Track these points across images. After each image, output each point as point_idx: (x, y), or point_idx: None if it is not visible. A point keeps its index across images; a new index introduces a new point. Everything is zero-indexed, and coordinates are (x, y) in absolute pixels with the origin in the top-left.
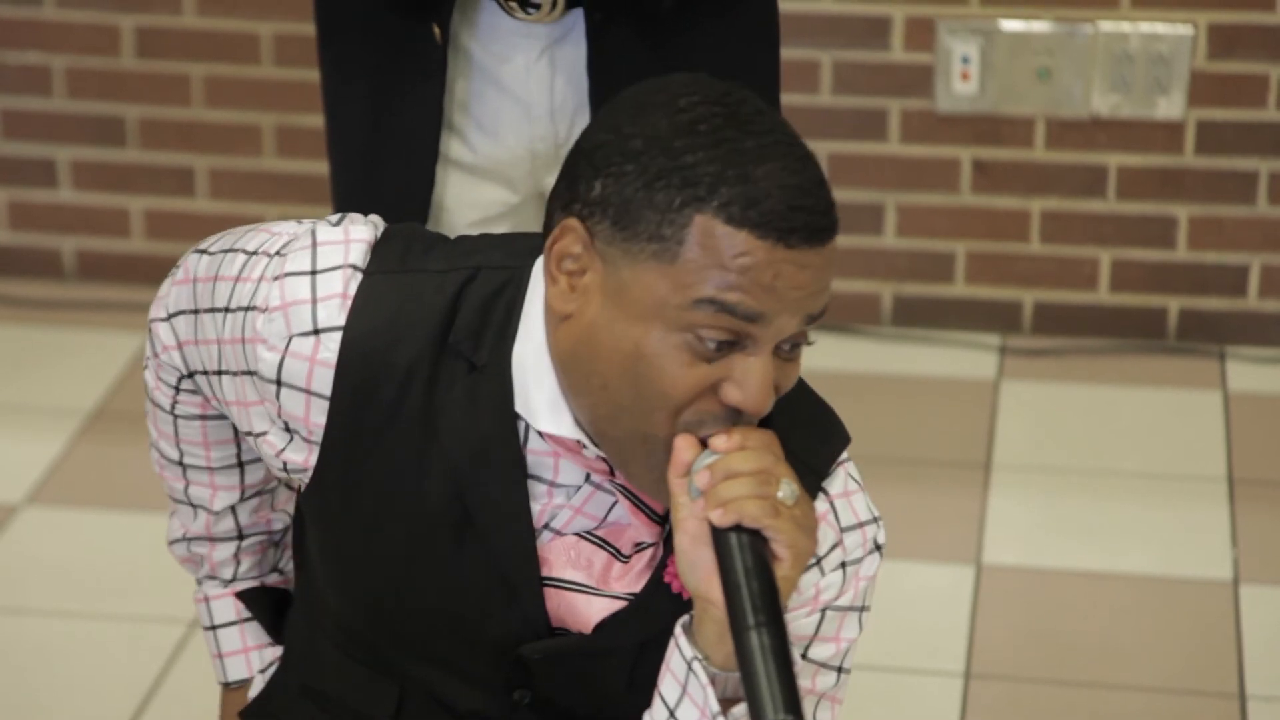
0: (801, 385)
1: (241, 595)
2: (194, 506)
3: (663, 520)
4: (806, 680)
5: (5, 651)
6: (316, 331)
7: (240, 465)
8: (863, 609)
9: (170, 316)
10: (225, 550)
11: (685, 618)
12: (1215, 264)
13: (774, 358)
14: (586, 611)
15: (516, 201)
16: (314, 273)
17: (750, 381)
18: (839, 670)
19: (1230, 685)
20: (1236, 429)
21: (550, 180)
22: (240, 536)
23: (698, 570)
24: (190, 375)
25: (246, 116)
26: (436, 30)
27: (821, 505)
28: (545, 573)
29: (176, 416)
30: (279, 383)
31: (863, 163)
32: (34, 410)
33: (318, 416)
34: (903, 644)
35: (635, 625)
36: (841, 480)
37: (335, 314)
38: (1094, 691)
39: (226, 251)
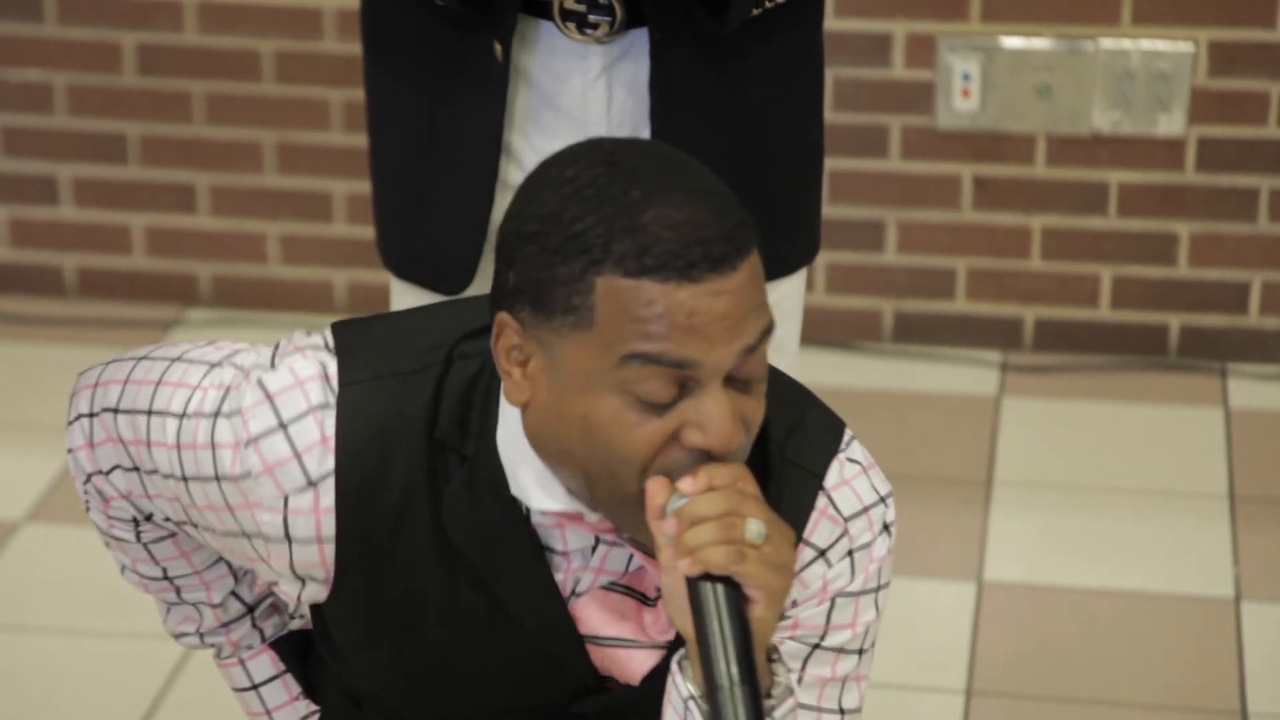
0: (793, 385)
1: (275, 646)
2: (194, 605)
3: None
4: (826, 668)
5: (6, 668)
6: (312, 484)
7: (223, 558)
8: (879, 589)
9: (108, 471)
10: (242, 628)
11: (680, 653)
12: (1216, 281)
13: (729, 390)
14: (629, 663)
15: None
16: (284, 426)
17: (709, 421)
18: (859, 652)
19: (1232, 702)
20: (1238, 446)
21: None
22: (251, 610)
23: (682, 614)
24: (148, 518)
25: (247, 133)
26: (498, 47)
27: (821, 501)
28: (583, 631)
29: (146, 544)
30: (289, 539)
31: (863, 179)
32: (35, 427)
33: (332, 555)
34: (904, 661)
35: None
36: (838, 470)
37: (323, 461)
38: (1095, 708)
39: (148, 414)
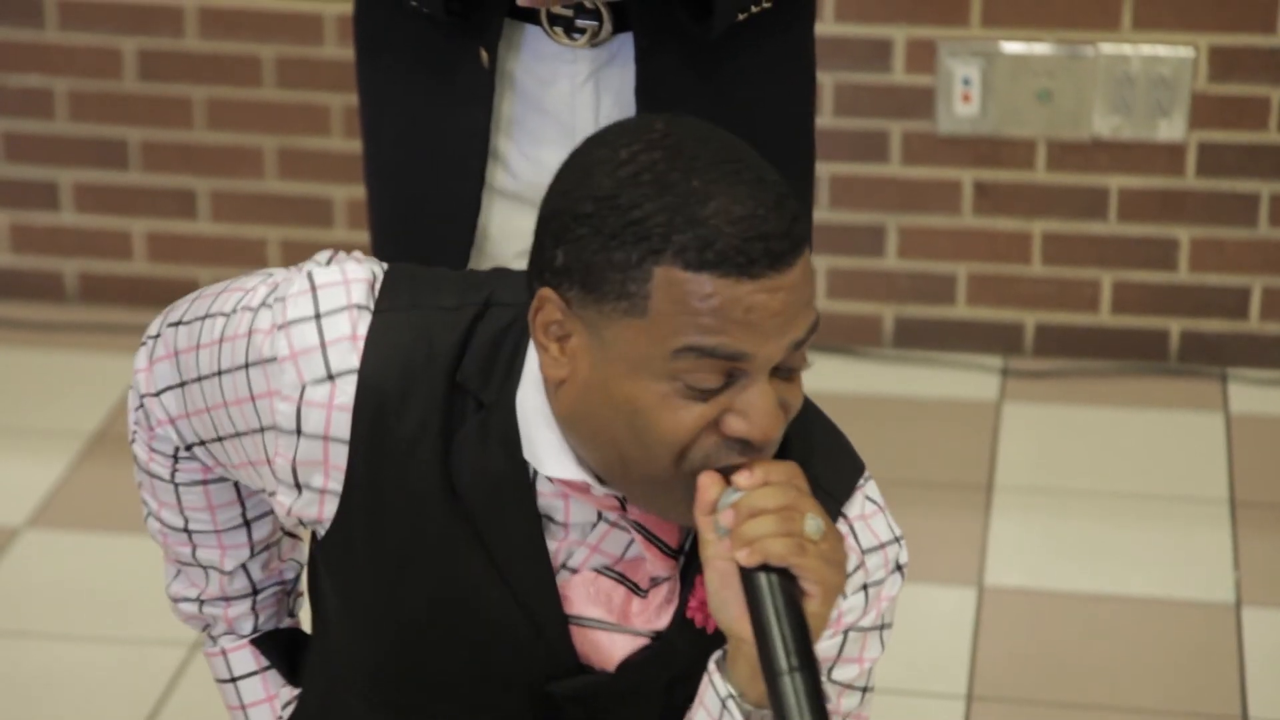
0: (816, 412)
1: (257, 642)
2: (204, 568)
3: (677, 554)
4: (831, 702)
5: (6, 674)
6: (331, 377)
7: (247, 524)
8: (884, 627)
9: (160, 392)
10: (241, 606)
11: (718, 653)
12: (1217, 286)
13: (773, 380)
14: (609, 649)
15: None
16: (318, 316)
17: (753, 411)
18: (863, 690)
19: (1233, 708)
20: (1238, 451)
21: None
22: (255, 592)
23: (729, 608)
24: (189, 447)
25: (248, 139)
26: (484, 54)
27: (841, 528)
28: (567, 610)
29: (178, 485)
30: (298, 432)
31: (864, 184)
32: (35, 433)
33: (338, 459)
34: (905, 666)
35: (661, 663)
36: (860, 503)
37: (347, 356)
38: (1096, 714)
39: (203, 319)
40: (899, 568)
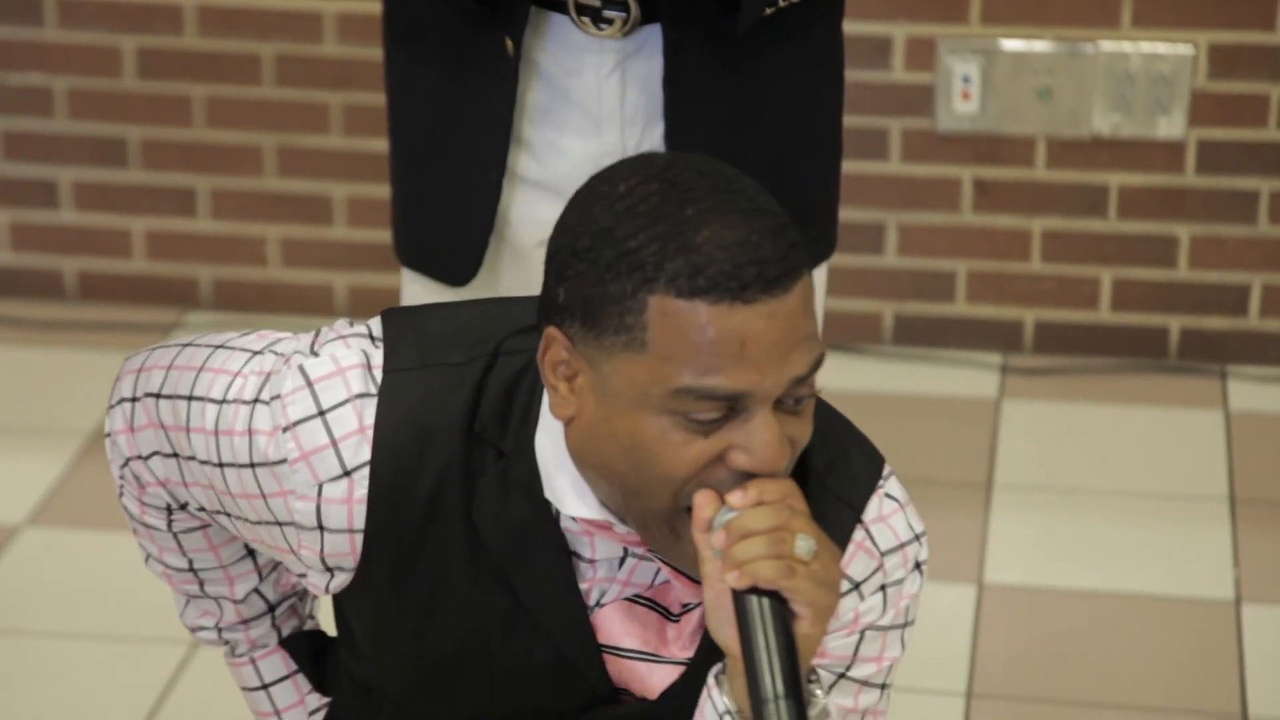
0: (836, 417)
1: (286, 644)
2: (215, 600)
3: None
4: (849, 699)
5: (6, 673)
6: (347, 473)
7: (251, 553)
8: (905, 625)
9: (147, 457)
10: (261, 626)
11: (718, 667)
12: (1216, 283)
13: (778, 413)
14: (649, 679)
15: None
16: (323, 414)
17: (756, 444)
18: (882, 687)
19: (1233, 705)
20: (1238, 448)
21: None
22: (272, 609)
23: (725, 628)
24: (182, 506)
25: (248, 137)
26: (509, 43)
27: (859, 535)
28: (603, 641)
29: (176, 534)
30: (321, 528)
31: (864, 182)
32: (35, 431)
33: (361, 542)
34: (905, 663)
35: (694, 690)
36: (878, 504)
37: (359, 450)
38: (1096, 711)
39: (189, 399)
40: (919, 565)
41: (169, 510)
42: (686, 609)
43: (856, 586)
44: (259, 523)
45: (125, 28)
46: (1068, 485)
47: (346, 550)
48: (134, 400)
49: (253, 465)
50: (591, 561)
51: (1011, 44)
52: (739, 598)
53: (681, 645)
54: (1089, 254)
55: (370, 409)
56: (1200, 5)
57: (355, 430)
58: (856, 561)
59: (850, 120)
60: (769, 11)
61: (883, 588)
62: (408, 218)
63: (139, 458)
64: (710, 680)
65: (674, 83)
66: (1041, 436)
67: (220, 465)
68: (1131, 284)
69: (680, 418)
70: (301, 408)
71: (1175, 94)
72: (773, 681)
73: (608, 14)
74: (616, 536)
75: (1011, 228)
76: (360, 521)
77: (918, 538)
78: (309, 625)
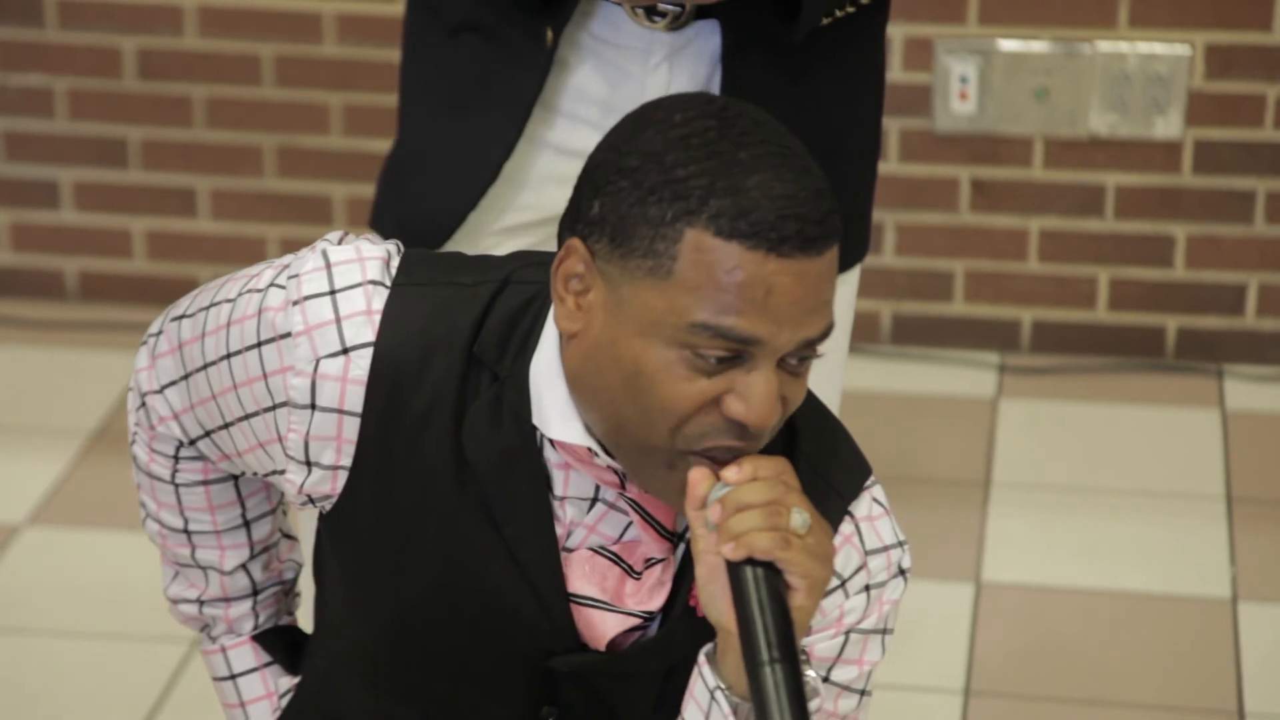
0: (828, 413)
1: (259, 639)
2: (203, 569)
3: (673, 537)
4: (829, 703)
5: (8, 671)
6: (345, 350)
7: (247, 524)
8: (885, 632)
9: (163, 388)
10: (242, 607)
11: (709, 646)
12: (1213, 283)
13: (779, 371)
14: (602, 627)
15: None
16: (334, 292)
17: (753, 396)
18: (861, 693)
19: (1229, 702)
20: (1234, 447)
21: None
22: (255, 592)
23: (718, 602)
24: (192, 442)
25: (248, 137)
26: (550, 34)
27: (847, 528)
28: (566, 588)
29: (178, 485)
30: (313, 406)
31: None
32: (36, 431)
33: (350, 433)
34: (903, 661)
35: (662, 650)
36: (867, 504)
37: (362, 330)
38: (1093, 709)
39: (208, 308)
40: (902, 572)
41: (176, 458)
42: (649, 564)
43: (843, 583)
44: (255, 414)
45: (126, 29)
46: (1065, 484)
47: (332, 435)
48: (159, 333)
49: (259, 344)
50: (561, 499)
51: (1009, 44)
52: (734, 569)
53: (638, 600)
54: (1086, 254)
55: (380, 297)
56: (1197, 5)
57: (361, 311)
58: (842, 555)
59: None
60: (826, 21)
61: (867, 589)
62: (396, 180)
63: (155, 391)
64: (701, 658)
65: (731, 89)
66: (1039, 435)
67: (229, 356)
68: (1128, 284)
69: (688, 353)
70: (315, 284)
71: (1172, 94)
72: (768, 646)
73: (662, 7)
74: (593, 470)
75: (1009, 227)
76: (350, 404)
77: (901, 544)
78: (285, 621)
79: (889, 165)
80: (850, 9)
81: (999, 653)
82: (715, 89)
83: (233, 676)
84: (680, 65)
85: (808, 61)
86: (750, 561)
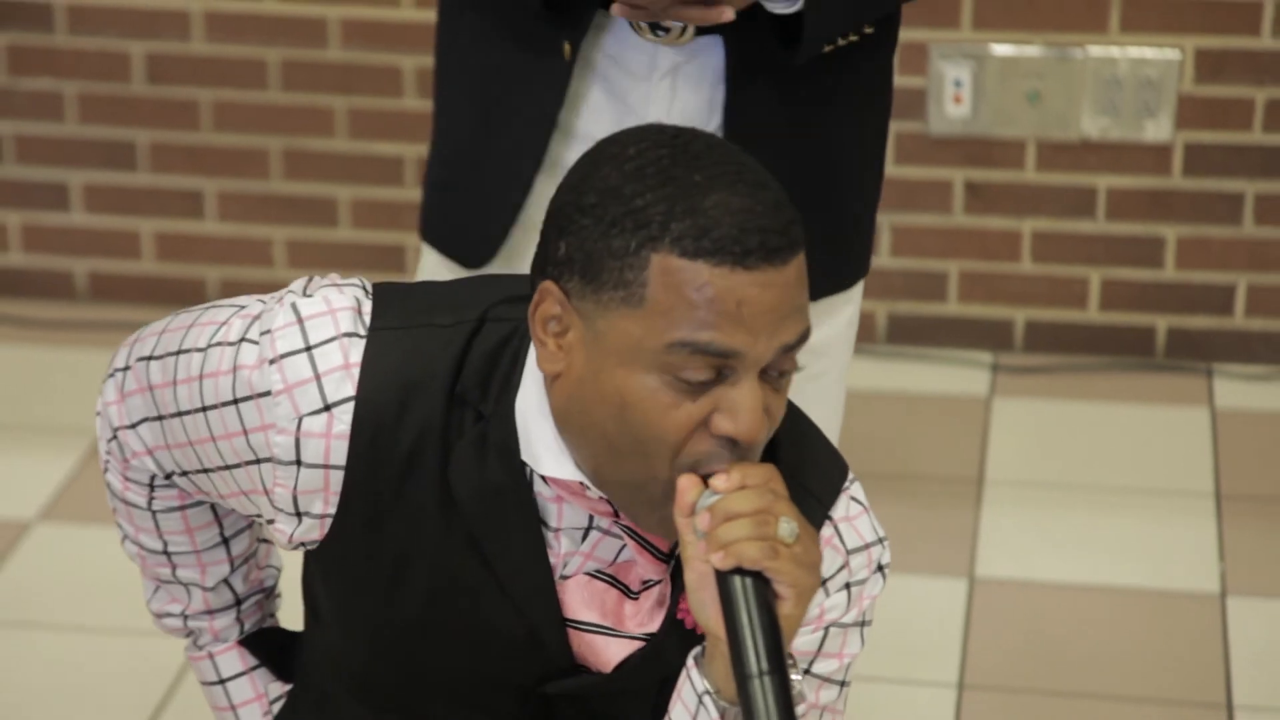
0: (802, 417)
1: (245, 642)
2: (185, 586)
3: (667, 557)
4: (810, 694)
5: (18, 664)
6: (328, 407)
7: (225, 541)
8: (864, 624)
9: (135, 425)
10: (226, 618)
11: (698, 649)
12: (1202, 283)
13: (762, 384)
14: (606, 653)
15: None
16: (309, 349)
17: (740, 411)
18: (841, 684)
19: (1218, 696)
20: (1223, 445)
21: None
22: (239, 603)
23: (707, 609)
24: (168, 476)
25: (254, 140)
26: (567, 47)
27: (827, 530)
28: (565, 614)
29: (155, 512)
30: (298, 463)
31: None
32: (46, 429)
33: (336, 485)
34: (898, 655)
35: (653, 664)
36: (845, 504)
37: (342, 385)
38: (1085, 702)
39: (176, 354)
40: (881, 568)
41: (151, 486)
42: (647, 586)
43: (823, 583)
44: (237, 465)
45: (134, 34)
46: (1057, 481)
47: (319, 488)
48: (126, 369)
49: (235, 401)
50: (556, 530)
51: (1002, 49)
52: (723, 578)
53: (639, 622)
54: (1078, 255)
55: (357, 349)
56: (1187, 10)
57: (340, 366)
58: (824, 557)
59: None
60: (828, 49)
61: (847, 586)
62: (439, 196)
63: (127, 426)
64: (690, 662)
65: (734, 111)
66: (1031, 433)
67: (204, 409)
68: (1119, 284)
69: (670, 377)
70: (289, 342)
71: (1162, 98)
72: (757, 658)
73: (665, 22)
74: (586, 502)
75: (1002, 229)
76: (335, 458)
77: (881, 541)
78: (269, 623)
79: (885, 167)
80: (854, 38)
81: (992, 647)
82: (719, 109)
83: (221, 681)
84: (684, 81)
85: (812, 86)
86: (739, 570)
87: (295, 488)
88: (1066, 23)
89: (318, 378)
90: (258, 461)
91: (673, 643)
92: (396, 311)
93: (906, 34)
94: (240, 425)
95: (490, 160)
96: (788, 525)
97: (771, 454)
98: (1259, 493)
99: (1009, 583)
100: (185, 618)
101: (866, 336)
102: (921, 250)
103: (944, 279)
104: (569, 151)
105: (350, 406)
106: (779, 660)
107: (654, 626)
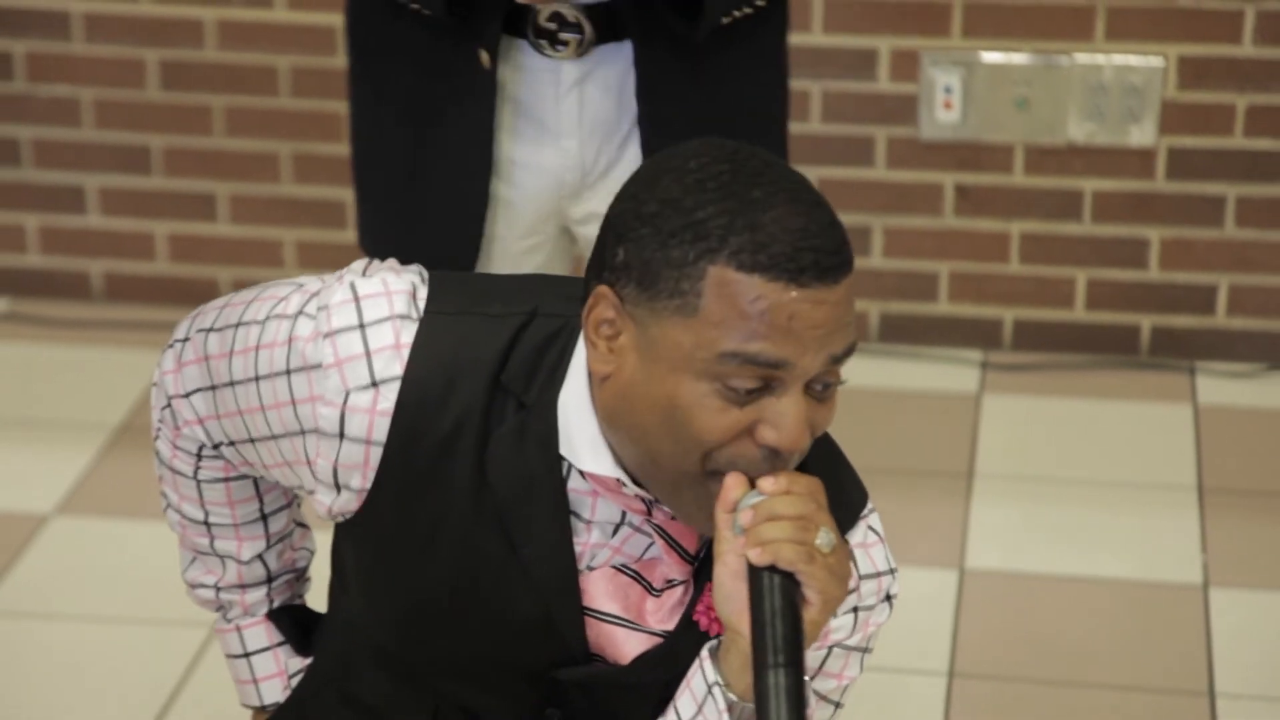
0: (834, 445)
1: (272, 616)
2: (221, 558)
3: (693, 560)
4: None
5: (36, 654)
6: (375, 384)
7: (264, 518)
8: (865, 651)
9: (189, 394)
10: (257, 593)
11: (713, 642)
12: (1185, 283)
13: (806, 397)
14: (625, 645)
15: (550, 230)
16: (363, 326)
17: (785, 422)
18: (835, 705)
19: (1200, 684)
20: (1206, 440)
21: (576, 209)
22: (270, 579)
23: (732, 603)
24: (215, 447)
25: (265, 145)
26: (484, 55)
27: None
28: (586, 603)
29: (200, 481)
30: (342, 436)
31: (851, 187)
32: (63, 425)
33: (375, 459)
34: (890, 645)
35: (668, 662)
36: (863, 532)
37: (391, 365)
38: (1071, 690)
39: (235, 326)
40: (889, 598)
41: (198, 456)
42: (670, 585)
43: None
44: (283, 435)
45: (149, 42)
46: (1045, 475)
47: (359, 462)
48: (185, 340)
49: (288, 372)
50: (589, 523)
51: (991, 56)
52: (755, 573)
53: (659, 619)
54: (1065, 256)
55: (408, 331)
56: (1170, 19)
57: (390, 346)
58: None
59: (838, 128)
60: (726, 21)
61: (855, 610)
62: (392, 235)
63: (181, 395)
64: (704, 653)
65: (645, 91)
66: (1020, 429)
67: (257, 379)
68: (1105, 284)
69: (719, 384)
70: (344, 318)
71: (1146, 104)
72: (775, 651)
73: (564, 36)
74: (621, 499)
75: (991, 231)
76: (378, 434)
77: (892, 572)
78: (296, 602)
79: (878, 171)
80: (748, 10)
81: (981, 636)
82: (630, 112)
83: (246, 654)
84: (589, 88)
85: (711, 60)
86: (773, 569)
87: (336, 461)
88: (1054, 31)
89: (368, 355)
90: (302, 433)
91: (687, 643)
92: (451, 298)
93: (898, 42)
94: (290, 396)
95: (437, 190)
96: (826, 536)
97: (799, 470)
98: (1240, 487)
99: (998, 574)
100: (218, 589)
101: (859, 335)
102: (913, 251)
103: (935, 279)
104: (515, 150)
105: (396, 385)
106: (797, 656)
107: (672, 625)
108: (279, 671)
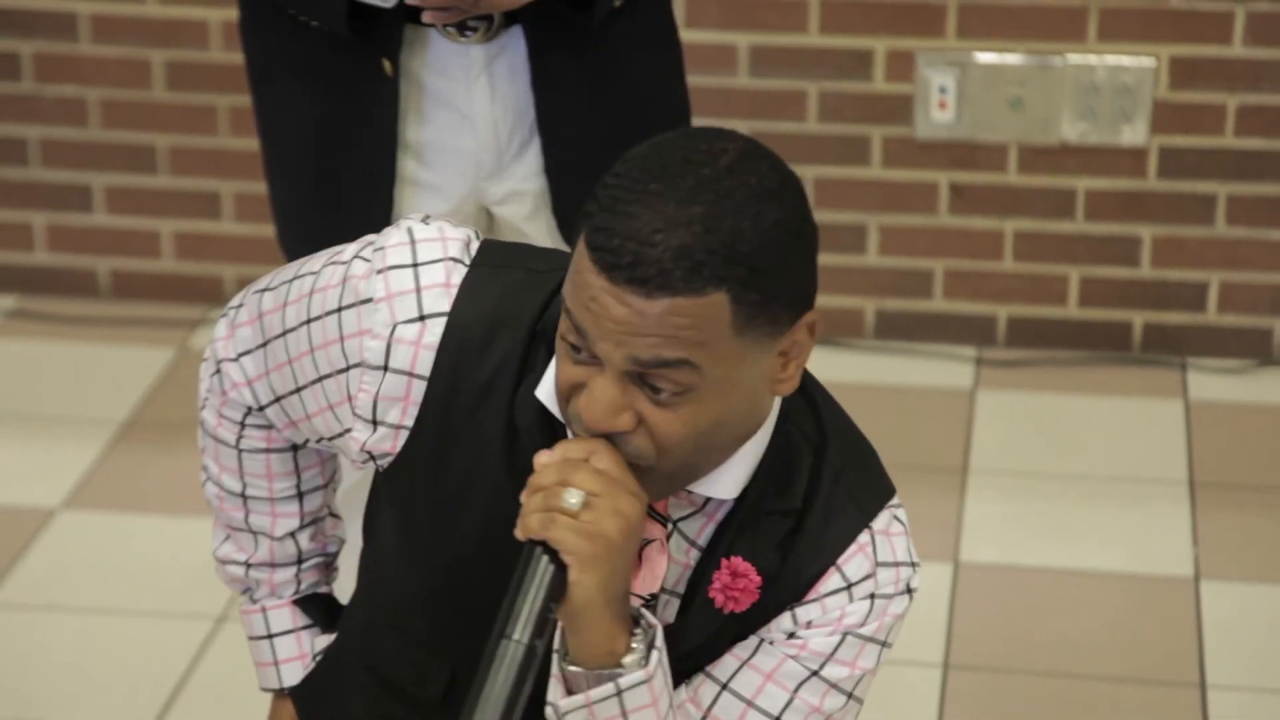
0: (863, 437)
1: (299, 602)
2: (254, 534)
3: (664, 520)
4: (815, 697)
5: (43, 647)
6: (422, 318)
7: (300, 495)
8: (883, 644)
9: (239, 356)
10: (286, 573)
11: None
12: (1177, 281)
13: (638, 391)
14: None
15: (469, 210)
16: (416, 265)
17: (591, 395)
18: (849, 695)
19: (1191, 675)
20: (1197, 435)
21: (495, 189)
22: (300, 560)
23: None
24: (261, 409)
25: None
26: (387, 65)
27: (864, 538)
28: None
29: (241, 451)
30: (386, 368)
31: (847, 186)
32: (71, 420)
33: (416, 395)
34: None
35: (676, 636)
36: (886, 519)
37: (439, 301)
38: (1064, 681)
39: (290, 280)
40: (909, 590)
41: (242, 424)
42: (645, 543)
43: (849, 586)
44: (329, 375)
45: (155, 42)
46: (1038, 470)
47: (400, 395)
48: (240, 306)
49: (340, 309)
50: None
51: (985, 57)
52: (525, 546)
53: (640, 583)
54: (1058, 253)
55: (459, 273)
56: (1162, 20)
57: (441, 284)
58: (854, 562)
59: (834, 128)
60: (617, 3)
61: (872, 596)
62: (305, 239)
63: (231, 359)
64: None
65: (540, 80)
66: (1013, 425)
67: (308, 321)
68: (1097, 282)
69: (569, 332)
70: (399, 256)
71: (1138, 104)
72: (511, 621)
73: (471, 22)
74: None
75: (985, 229)
76: (421, 368)
77: (914, 564)
78: (323, 590)
79: (872, 170)
80: None
81: (976, 629)
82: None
83: (270, 636)
84: (499, 70)
85: (608, 43)
86: (530, 541)
87: (378, 393)
88: (1047, 32)
89: (418, 290)
90: (347, 369)
91: (699, 620)
92: (500, 254)
93: (893, 42)
94: (339, 332)
95: (343, 195)
96: (574, 495)
97: (820, 451)
98: (1230, 481)
99: (992, 567)
100: (248, 566)
101: (855, 332)
102: (908, 249)
103: (930, 277)
104: (408, 163)
105: (443, 321)
106: (533, 635)
107: (651, 589)
108: (301, 655)
